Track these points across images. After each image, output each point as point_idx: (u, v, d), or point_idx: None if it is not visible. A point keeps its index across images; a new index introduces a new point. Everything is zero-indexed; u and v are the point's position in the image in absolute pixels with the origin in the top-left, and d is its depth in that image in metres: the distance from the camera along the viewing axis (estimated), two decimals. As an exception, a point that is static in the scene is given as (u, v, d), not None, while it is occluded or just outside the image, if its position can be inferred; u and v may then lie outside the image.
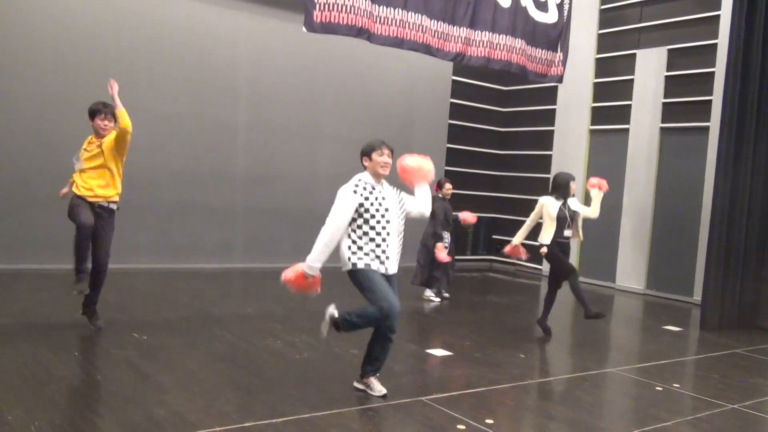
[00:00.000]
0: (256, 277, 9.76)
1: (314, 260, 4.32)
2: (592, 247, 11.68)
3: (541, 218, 6.99)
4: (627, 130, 11.29)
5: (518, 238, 7.27)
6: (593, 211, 7.15)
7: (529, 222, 7.19)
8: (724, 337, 7.79)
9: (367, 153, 4.42)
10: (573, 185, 6.98)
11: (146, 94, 9.33)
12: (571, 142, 12.17)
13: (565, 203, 6.99)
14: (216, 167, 10.08)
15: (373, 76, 11.47)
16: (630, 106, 11.26)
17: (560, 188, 6.96)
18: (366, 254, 4.29)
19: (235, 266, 10.16)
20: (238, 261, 10.30)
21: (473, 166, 13.17)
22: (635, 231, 11.01)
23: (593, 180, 7.31)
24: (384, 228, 4.32)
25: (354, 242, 4.31)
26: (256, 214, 10.44)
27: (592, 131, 11.92)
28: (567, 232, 6.97)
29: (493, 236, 13.61)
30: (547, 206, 6.96)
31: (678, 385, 5.58)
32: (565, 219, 6.90)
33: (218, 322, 6.59)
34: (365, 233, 4.29)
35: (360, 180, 4.41)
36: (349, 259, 4.32)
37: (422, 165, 4.44)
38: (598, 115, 11.86)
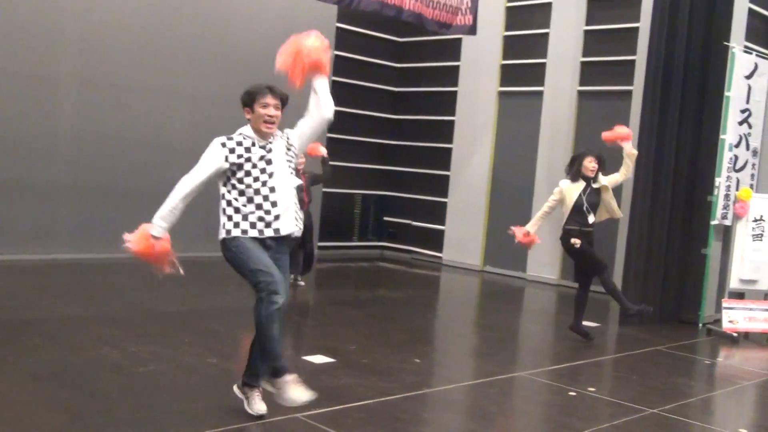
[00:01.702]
0: (88, 270, 9.46)
1: (159, 217, 4.29)
2: (500, 231, 11.92)
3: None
4: (541, 93, 11.72)
5: (534, 224, 7.43)
6: (620, 174, 7.42)
7: (546, 208, 7.43)
8: (645, 332, 8.28)
9: (247, 103, 4.38)
10: (588, 161, 7.25)
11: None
12: (477, 105, 12.49)
13: (588, 186, 7.28)
14: (31, 132, 9.61)
15: (239, 23, 11.24)
16: (544, 64, 11.69)
17: (571, 167, 7.35)
18: (244, 218, 4.29)
19: (59, 257, 9.84)
20: (63, 251, 9.94)
21: (361, 132, 13.26)
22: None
23: (606, 134, 7.48)
24: (265, 184, 4.31)
25: (229, 203, 4.32)
26: (88, 192, 10.07)
27: (501, 93, 12.28)
28: (591, 218, 7.25)
29: (385, 218, 13.79)
30: (565, 191, 7.29)
31: (593, 389, 5.86)
32: (581, 206, 7.22)
33: (36, 328, 6.37)
34: (241, 193, 4.30)
35: (239, 132, 4.42)
36: (224, 225, 4.33)
37: (319, 48, 4.45)
38: (508, 75, 12.22)
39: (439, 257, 12.85)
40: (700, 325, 8.81)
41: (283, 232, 4.35)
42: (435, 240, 13.02)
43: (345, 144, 12.84)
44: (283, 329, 4.37)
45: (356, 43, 13.04)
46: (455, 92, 12.83)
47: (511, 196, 11.98)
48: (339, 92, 12.59)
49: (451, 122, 12.85)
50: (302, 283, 9.16)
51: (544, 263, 11.40)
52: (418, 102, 13.54)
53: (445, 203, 12.89)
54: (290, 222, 4.40)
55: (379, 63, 13.51)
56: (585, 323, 8.30)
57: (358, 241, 13.49)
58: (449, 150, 12.86)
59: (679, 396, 5.90)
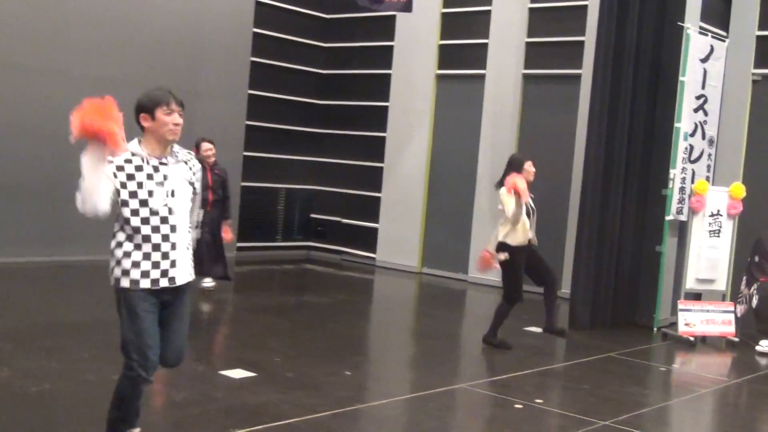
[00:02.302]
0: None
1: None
2: (439, 228, 12.19)
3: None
4: (483, 76, 11.75)
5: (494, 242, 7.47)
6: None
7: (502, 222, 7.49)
8: (597, 338, 8.44)
9: (147, 108, 4.04)
10: (529, 165, 7.49)
11: None
12: (413, 89, 12.47)
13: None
14: None
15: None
16: (486, 45, 11.73)
17: (509, 171, 7.42)
18: (135, 264, 4.02)
19: (-62, 262, 9.66)
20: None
21: (283, 119, 13.16)
22: (495, 207, 11.26)
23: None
24: (165, 220, 4.02)
25: (120, 244, 4.04)
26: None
27: (439, 76, 12.31)
28: (530, 234, 7.43)
29: (311, 215, 13.73)
30: (505, 198, 7.30)
31: (541, 401, 5.93)
32: (528, 214, 7.37)
33: None
34: (135, 230, 4.00)
35: (125, 148, 3.98)
36: (113, 271, 4.07)
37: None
38: (447, 56, 12.22)
39: (372, 258, 12.84)
40: (655, 328, 8.99)
41: (179, 282, 4.12)
42: (367, 239, 12.95)
43: (266, 132, 12.74)
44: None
45: (278, 19, 12.92)
46: (389, 75, 12.76)
47: (451, 189, 12.05)
48: (260, 75, 12.67)
49: (385, 108, 12.80)
50: (210, 285, 9.12)
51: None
52: (347, 86, 13.43)
53: (378, 198, 12.87)
54: (186, 268, 4.17)
55: (303, 42, 13.40)
56: (530, 329, 8.51)
57: (281, 240, 13.37)
58: (382, 139, 12.83)
59: (632, 406, 6.01)
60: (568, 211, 10.63)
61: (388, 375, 6.79)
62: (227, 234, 9.11)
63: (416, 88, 12.46)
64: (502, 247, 7.38)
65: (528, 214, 7.47)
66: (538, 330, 8.38)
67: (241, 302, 9.12)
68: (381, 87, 12.88)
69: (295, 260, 12.88)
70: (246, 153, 12.19)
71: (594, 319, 8.94)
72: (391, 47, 12.80)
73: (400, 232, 12.57)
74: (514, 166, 7.55)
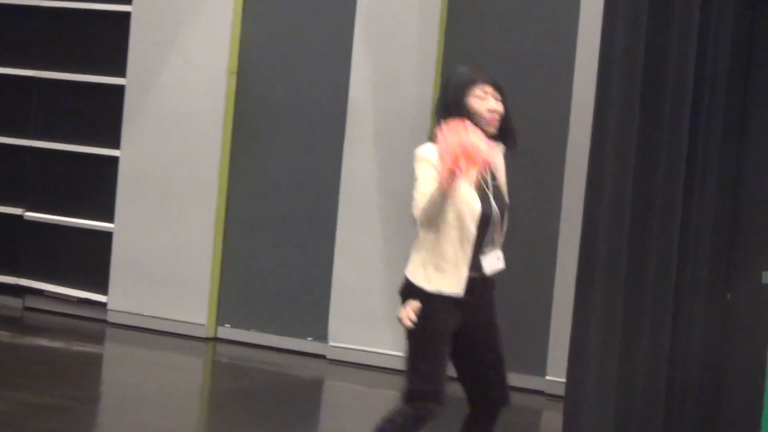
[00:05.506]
0: None
1: None
2: (259, 239, 11.65)
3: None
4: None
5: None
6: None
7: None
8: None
9: None
10: (482, 90, 6.44)
11: None
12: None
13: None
14: None
15: None
16: None
17: (445, 110, 6.77)
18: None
19: None
20: None
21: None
22: (387, 194, 11.03)
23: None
24: None
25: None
26: None
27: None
28: (486, 265, 6.53)
29: (26, 215, 12.83)
30: (423, 171, 6.54)
31: None
32: (486, 216, 6.48)
33: None
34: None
35: None
36: None
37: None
38: None
39: (101, 304, 11.85)
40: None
41: None
42: (87, 261, 12.06)
43: None
44: None
45: None
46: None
47: (286, 153, 11.25)
48: None
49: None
50: None
51: (379, 316, 10.59)
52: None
53: (113, 161, 12.00)
54: None
55: None
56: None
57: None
58: (122, 36, 11.75)
59: None
60: (559, 215, 10.47)
61: None
62: None
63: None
64: (410, 291, 6.46)
65: (485, 220, 6.60)
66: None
67: None
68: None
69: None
70: None
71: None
72: None
73: (167, 244, 11.56)
74: (451, 102, 6.65)
